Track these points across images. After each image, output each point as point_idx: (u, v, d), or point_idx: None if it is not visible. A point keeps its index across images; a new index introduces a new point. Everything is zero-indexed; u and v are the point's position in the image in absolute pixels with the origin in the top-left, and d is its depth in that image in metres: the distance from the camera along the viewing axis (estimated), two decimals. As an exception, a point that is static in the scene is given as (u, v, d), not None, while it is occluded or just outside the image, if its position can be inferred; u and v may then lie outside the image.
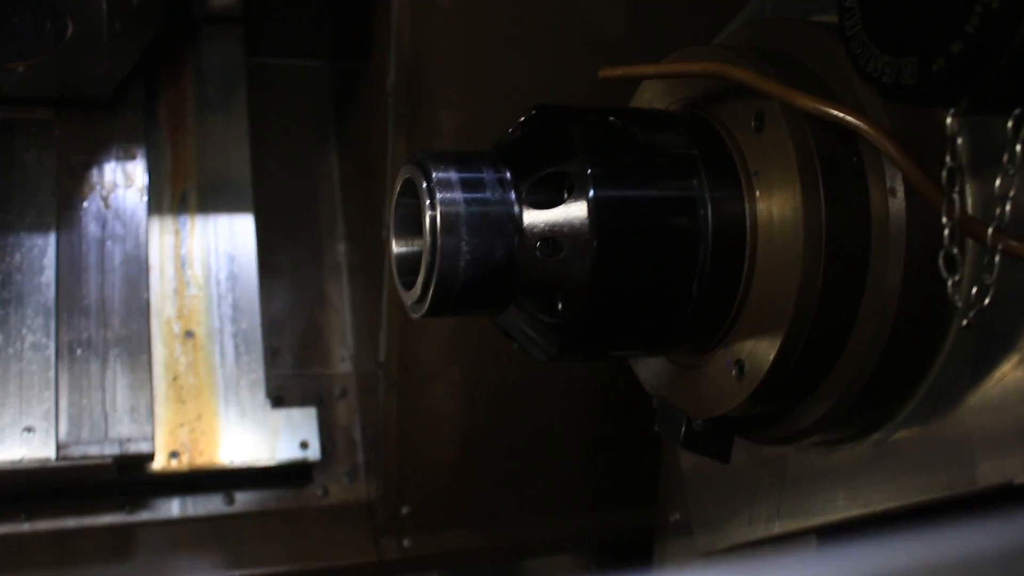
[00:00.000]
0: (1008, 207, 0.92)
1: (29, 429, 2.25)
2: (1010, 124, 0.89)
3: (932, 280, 1.07)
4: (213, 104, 2.75)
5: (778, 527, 1.45)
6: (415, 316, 1.21)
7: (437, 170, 1.15)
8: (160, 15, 2.50)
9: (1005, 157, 0.89)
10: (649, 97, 1.39)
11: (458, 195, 1.14)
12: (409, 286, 1.20)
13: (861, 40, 0.94)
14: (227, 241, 2.67)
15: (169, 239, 2.63)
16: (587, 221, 1.12)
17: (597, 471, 2.69)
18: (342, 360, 2.79)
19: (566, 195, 1.14)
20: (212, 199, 2.69)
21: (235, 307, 2.61)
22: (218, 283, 2.63)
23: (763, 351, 1.17)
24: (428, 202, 1.13)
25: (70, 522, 2.43)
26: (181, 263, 2.61)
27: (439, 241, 1.12)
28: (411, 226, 1.24)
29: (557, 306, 1.17)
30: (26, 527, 2.40)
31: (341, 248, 2.86)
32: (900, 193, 1.10)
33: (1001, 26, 0.80)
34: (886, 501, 1.22)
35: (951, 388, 1.14)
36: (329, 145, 2.92)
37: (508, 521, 2.69)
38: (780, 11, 1.44)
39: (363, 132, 2.64)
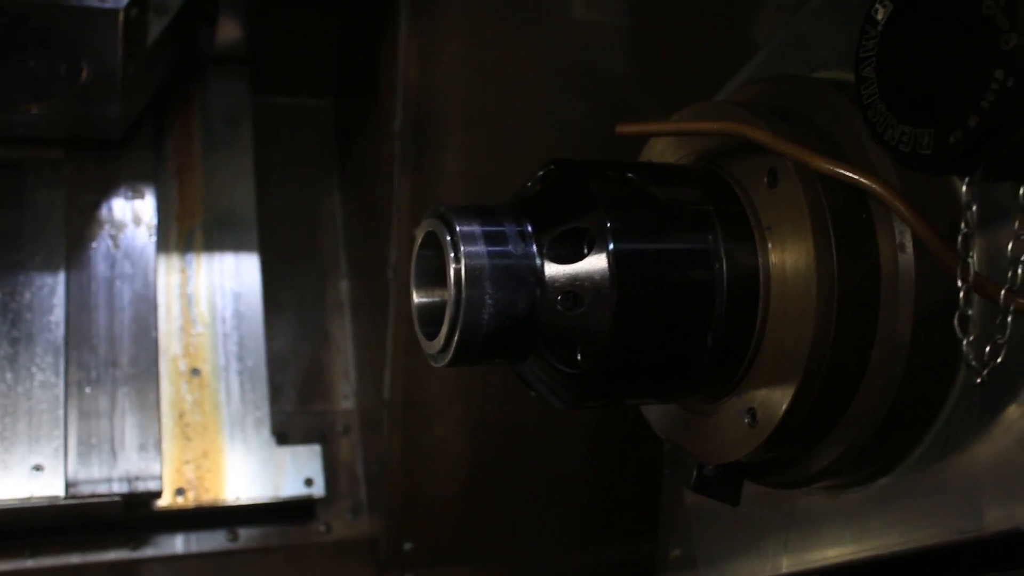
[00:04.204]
0: (1020, 270, 0.95)
1: (38, 467, 2.25)
2: (1021, 191, 0.92)
3: (940, 331, 1.10)
4: (219, 142, 2.76)
5: (785, 564, 1.47)
6: (437, 365, 1.23)
7: (461, 223, 1.16)
8: (173, 57, 2.52)
9: (1016, 223, 0.93)
10: (660, 149, 1.41)
11: (482, 248, 1.14)
12: (431, 336, 1.21)
13: (878, 109, 0.97)
14: (233, 279, 2.68)
15: (175, 277, 2.63)
16: (607, 275, 1.14)
17: (597, 506, 2.70)
18: (345, 397, 2.79)
19: (586, 250, 1.16)
20: (218, 237, 2.70)
21: (240, 345, 2.62)
22: (224, 321, 2.63)
23: (776, 399, 1.19)
24: (453, 255, 1.14)
25: (74, 558, 2.43)
26: (187, 301, 2.62)
27: (464, 293, 1.13)
28: (432, 278, 1.25)
29: (576, 357, 1.18)
30: (31, 563, 2.40)
31: (344, 286, 2.87)
32: (909, 248, 1.12)
33: (1016, 103, 0.84)
34: (894, 543, 1.23)
35: (959, 435, 1.15)
36: (333, 183, 2.93)
37: (509, 556, 2.69)
38: (784, 67, 1.45)
39: (368, 171, 2.64)
